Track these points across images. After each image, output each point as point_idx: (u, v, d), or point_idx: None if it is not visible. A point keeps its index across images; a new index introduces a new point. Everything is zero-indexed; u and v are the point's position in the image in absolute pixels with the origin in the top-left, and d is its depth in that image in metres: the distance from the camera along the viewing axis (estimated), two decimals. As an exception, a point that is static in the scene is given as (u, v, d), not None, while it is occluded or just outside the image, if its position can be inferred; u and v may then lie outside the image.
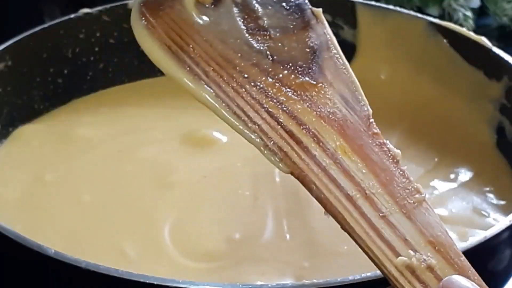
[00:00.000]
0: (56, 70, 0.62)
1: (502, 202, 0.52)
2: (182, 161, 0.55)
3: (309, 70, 0.37)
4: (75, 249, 0.43)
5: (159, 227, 0.49)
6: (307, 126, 0.35)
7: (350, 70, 0.38)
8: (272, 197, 0.52)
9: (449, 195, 0.53)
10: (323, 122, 0.35)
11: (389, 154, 0.35)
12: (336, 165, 0.34)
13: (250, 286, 0.39)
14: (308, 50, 0.37)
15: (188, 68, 0.36)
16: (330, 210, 0.34)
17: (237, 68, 0.36)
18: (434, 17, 0.65)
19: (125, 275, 0.37)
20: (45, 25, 0.60)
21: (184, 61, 0.36)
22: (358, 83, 0.38)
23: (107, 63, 0.64)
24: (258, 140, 0.35)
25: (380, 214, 0.33)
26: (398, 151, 0.36)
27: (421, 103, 0.62)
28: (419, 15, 0.64)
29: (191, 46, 0.36)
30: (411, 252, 0.33)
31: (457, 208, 0.52)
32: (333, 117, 0.35)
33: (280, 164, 0.35)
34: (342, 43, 0.65)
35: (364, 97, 0.38)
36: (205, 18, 0.37)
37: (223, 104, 0.36)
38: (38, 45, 0.60)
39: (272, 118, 0.35)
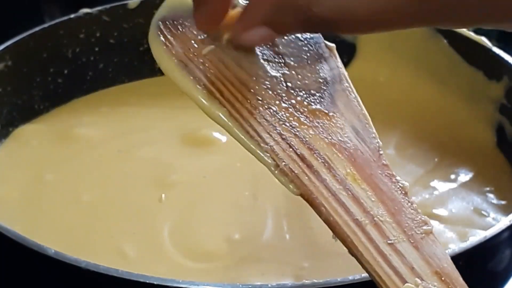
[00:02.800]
0: (56, 70, 0.62)
1: (502, 202, 0.52)
2: (182, 161, 0.55)
3: (322, 99, 0.37)
4: (75, 249, 0.43)
5: (159, 227, 0.49)
6: (318, 152, 0.35)
7: (361, 103, 0.39)
8: (272, 197, 0.52)
9: (449, 195, 0.53)
10: (334, 149, 0.36)
11: (398, 186, 0.36)
12: (346, 191, 0.35)
13: (250, 286, 0.39)
14: (321, 80, 0.38)
15: (203, 86, 0.36)
16: (338, 233, 0.34)
17: (252, 90, 0.37)
18: (434, 17, 0.65)
19: (125, 275, 0.37)
20: (45, 25, 0.60)
21: (200, 79, 0.37)
22: (368, 116, 0.38)
23: (107, 63, 0.64)
24: (269, 160, 0.35)
25: (388, 241, 0.33)
26: (407, 183, 0.36)
27: (421, 103, 0.62)
28: (419, 15, 0.64)
29: (207, 65, 0.37)
30: (418, 280, 0.33)
31: (457, 208, 0.52)
32: (343, 146, 0.36)
33: (290, 185, 0.35)
34: (342, 43, 0.66)
35: (374, 130, 0.38)
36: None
37: (237, 123, 0.36)
38: (38, 45, 0.60)
39: (284, 140, 0.35)
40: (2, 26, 0.65)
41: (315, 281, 0.38)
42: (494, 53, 0.58)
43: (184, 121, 0.60)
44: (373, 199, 0.35)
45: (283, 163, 0.35)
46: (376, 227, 0.34)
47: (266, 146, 0.35)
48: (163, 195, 0.52)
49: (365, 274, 0.37)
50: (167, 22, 0.38)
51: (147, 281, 0.37)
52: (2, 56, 0.57)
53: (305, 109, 0.37)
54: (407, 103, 0.63)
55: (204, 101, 0.37)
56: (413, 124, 0.61)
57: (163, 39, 0.38)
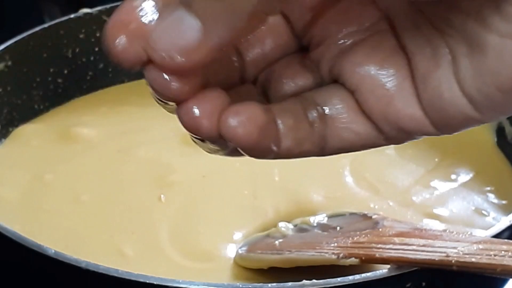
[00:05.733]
0: (56, 70, 0.62)
1: (503, 202, 0.52)
2: (182, 161, 0.55)
3: (372, 229, 0.44)
4: (75, 249, 0.43)
5: (158, 226, 0.49)
6: (367, 241, 0.43)
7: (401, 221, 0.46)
8: (271, 196, 0.52)
9: (449, 195, 0.53)
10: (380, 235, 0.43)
11: (432, 231, 0.42)
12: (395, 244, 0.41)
13: (250, 286, 0.39)
14: (371, 223, 0.45)
15: (275, 253, 0.45)
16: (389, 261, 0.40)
17: (310, 243, 0.45)
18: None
19: (125, 275, 0.37)
20: (45, 25, 0.61)
21: (274, 252, 0.46)
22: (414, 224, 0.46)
23: (107, 63, 0.64)
24: (333, 256, 0.42)
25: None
26: (436, 224, 0.49)
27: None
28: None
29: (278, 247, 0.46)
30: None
31: (458, 208, 0.52)
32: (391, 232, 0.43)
33: (350, 259, 0.42)
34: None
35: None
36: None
37: (302, 260, 0.44)
38: (38, 45, 0.60)
39: (341, 247, 0.43)
40: (2, 26, 0.66)
41: (315, 281, 0.38)
42: (494, 53, 0.58)
43: (184, 121, 0.59)
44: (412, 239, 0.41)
45: (341, 254, 0.42)
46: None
47: (325, 252, 0.43)
48: (162, 195, 0.52)
49: (365, 274, 0.38)
50: (245, 247, 0.47)
51: (147, 281, 0.37)
52: (2, 56, 0.57)
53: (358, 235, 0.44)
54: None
55: (276, 260, 0.44)
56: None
57: (245, 253, 0.47)
